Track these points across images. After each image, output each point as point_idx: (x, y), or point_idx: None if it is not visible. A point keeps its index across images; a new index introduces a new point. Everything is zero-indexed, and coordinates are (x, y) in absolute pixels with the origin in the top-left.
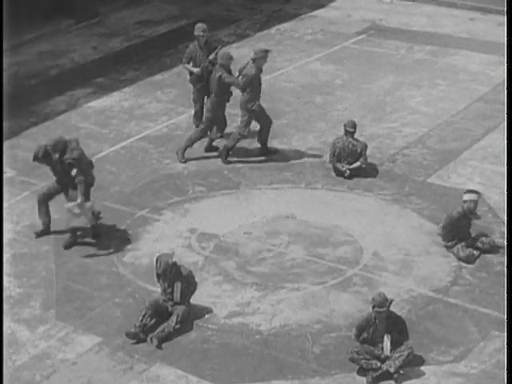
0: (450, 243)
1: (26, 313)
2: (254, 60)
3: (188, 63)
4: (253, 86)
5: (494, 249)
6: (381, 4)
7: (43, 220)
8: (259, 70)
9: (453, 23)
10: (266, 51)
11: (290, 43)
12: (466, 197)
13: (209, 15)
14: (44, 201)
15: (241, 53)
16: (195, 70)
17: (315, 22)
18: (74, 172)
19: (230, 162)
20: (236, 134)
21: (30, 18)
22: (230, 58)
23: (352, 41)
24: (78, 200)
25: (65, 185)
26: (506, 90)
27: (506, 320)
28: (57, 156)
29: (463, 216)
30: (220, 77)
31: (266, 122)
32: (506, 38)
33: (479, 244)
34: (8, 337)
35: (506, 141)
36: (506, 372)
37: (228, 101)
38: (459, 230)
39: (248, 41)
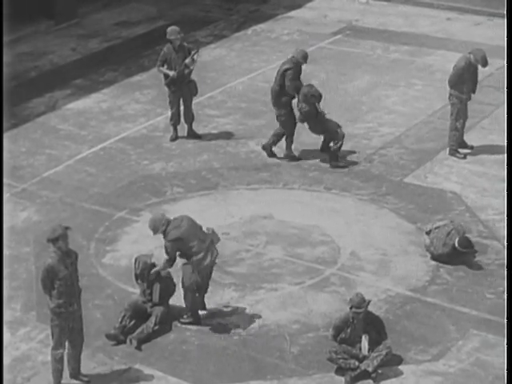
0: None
1: (7, 315)
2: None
3: (162, 66)
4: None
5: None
6: (357, 4)
7: None
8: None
9: (429, 23)
10: None
11: (267, 44)
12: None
13: (186, 16)
14: None
15: (218, 54)
16: (171, 73)
17: (291, 23)
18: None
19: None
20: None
21: (9, 19)
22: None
23: (328, 41)
24: None
25: None
26: (505, 90)
27: (506, 320)
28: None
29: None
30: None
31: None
32: (505, 39)
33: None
34: None
35: (506, 141)
36: (505, 372)
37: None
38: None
39: (225, 41)
